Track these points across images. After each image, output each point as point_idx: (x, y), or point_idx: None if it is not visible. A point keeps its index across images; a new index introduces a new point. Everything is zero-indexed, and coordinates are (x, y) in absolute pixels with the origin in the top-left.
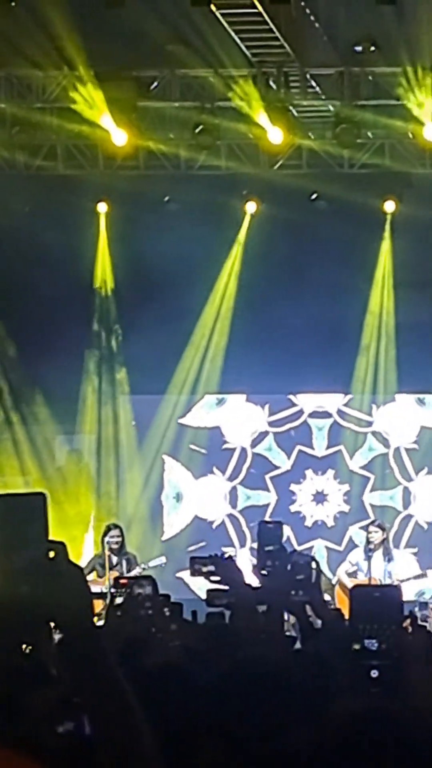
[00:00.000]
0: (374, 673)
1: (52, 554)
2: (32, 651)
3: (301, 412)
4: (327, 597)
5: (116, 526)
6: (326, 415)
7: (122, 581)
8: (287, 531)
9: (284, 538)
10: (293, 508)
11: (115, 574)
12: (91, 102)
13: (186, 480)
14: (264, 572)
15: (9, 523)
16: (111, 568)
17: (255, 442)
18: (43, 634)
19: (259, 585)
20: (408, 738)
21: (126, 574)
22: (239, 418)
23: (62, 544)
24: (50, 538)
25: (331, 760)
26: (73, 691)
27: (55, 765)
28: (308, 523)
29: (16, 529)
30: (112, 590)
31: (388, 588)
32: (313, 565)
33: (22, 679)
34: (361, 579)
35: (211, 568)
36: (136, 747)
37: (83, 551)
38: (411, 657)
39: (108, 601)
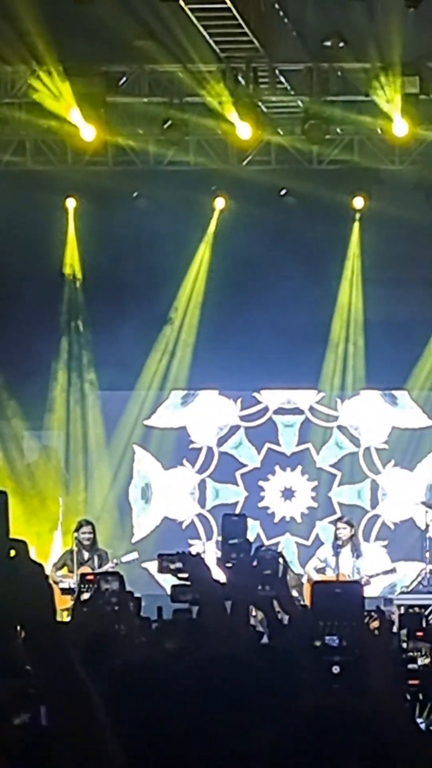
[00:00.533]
0: (336, 669)
1: (12, 553)
2: None
3: (266, 409)
4: (295, 593)
5: (88, 522)
6: (297, 411)
7: (89, 577)
8: (256, 527)
9: (248, 532)
10: (261, 504)
11: (87, 569)
12: (60, 97)
13: (156, 472)
14: (228, 565)
15: None
16: (82, 564)
17: (222, 440)
18: (8, 631)
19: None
20: (368, 734)
21: (97, 570)
22: (208, 414)
23: (23, 542)
24: (11, 536)
25: (293, 757)
26: (31, 684)
27: (11, 756)
28: (276, 519)
29: None
30: (80, 586)
31: (349, 584)
32: (280, 560)
33: None
34: (330, 575)
35: (179, 564)
36: (96, 742)
37: (52, 546)
38: (372, 653)
39: (75, 596)
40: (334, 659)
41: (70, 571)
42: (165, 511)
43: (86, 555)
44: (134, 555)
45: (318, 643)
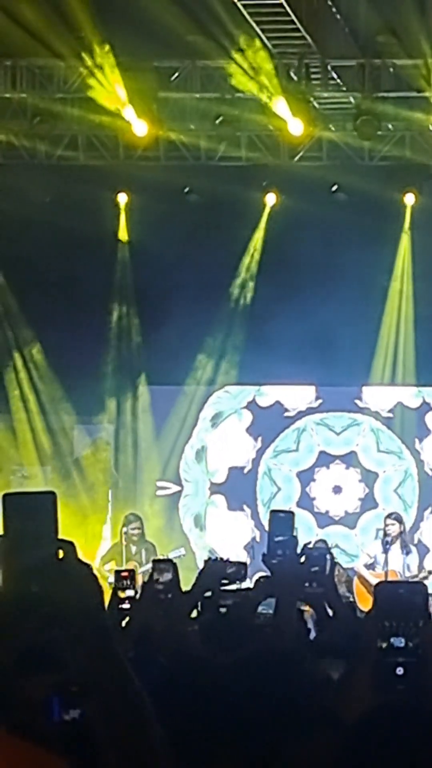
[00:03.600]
0: (399, 671)
1: (61, 554)
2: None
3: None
4: (343, 589)
5: (137, 517)
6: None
7: (123, 573)
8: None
9: (295, 529)
10: (311, 499)
11: (134, 563)
12: (112, 92)
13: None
14: (274, 561)
15: (19, 521)
16: (130, 558)
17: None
18: (55, 631)
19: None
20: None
21: (144, 564)
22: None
23: (71, 543)
24: (60, 537)
25: (353, 757)
26: (75, 681)
27: (55, 751)
28: (326, 514)
29: (26, 528)
30: (116, 583)
31: (413, 584)
32: (328, 557)
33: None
34: (379, 572)
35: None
36: (143, 738)
37: (102, 541)
38: None
39: (111, 593)
40: (399, 660)
41: (118, 565)
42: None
43: (134, 549)
44: (181, 551)
45: (384, 645)
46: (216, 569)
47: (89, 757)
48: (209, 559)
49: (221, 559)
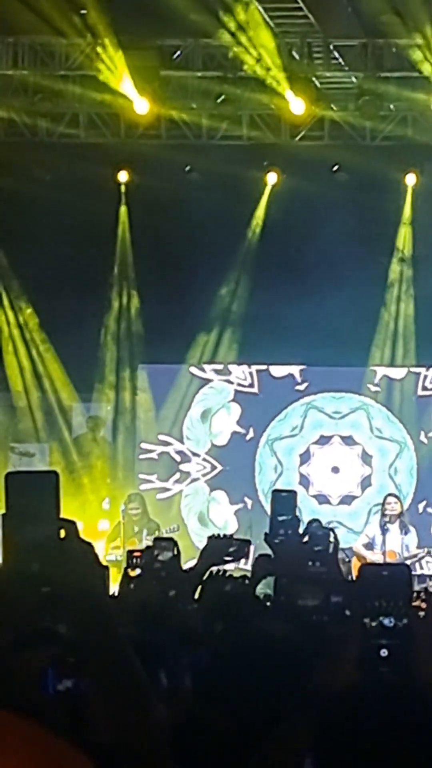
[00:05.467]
0: (384, 653)
1: (63, 533)
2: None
3: (311, 386)
4: (343, 568)
5: (137, 495)
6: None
7: (136, 553)
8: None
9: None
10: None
11: (134, 542)
12: (114, 70)
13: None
14: (276, 541)
15: (21, 500)
16: (131, 537)
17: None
18: (57, 610)
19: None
20: (414, 717)
21: (145, 542)
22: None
23: (73, 522)
24: (61, 516)
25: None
26: (72, 653)
27: (49, 722)
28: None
29: (28, 507)
30: (128, 561)
31: (396, 566)
32: (331, 536)
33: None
34: (377, 552)
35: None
36: (140, 712)
37: (100, 520)
38: (422, 636)
39: (122, 573)
40: (382, 642)
41: (121, 543)
42: None
43: (135, 528)
44: (174, 526)
45: (374, 623)
46: (219, 546)
47: (83, 728)
48: (212, 536)
49: (224, 536)
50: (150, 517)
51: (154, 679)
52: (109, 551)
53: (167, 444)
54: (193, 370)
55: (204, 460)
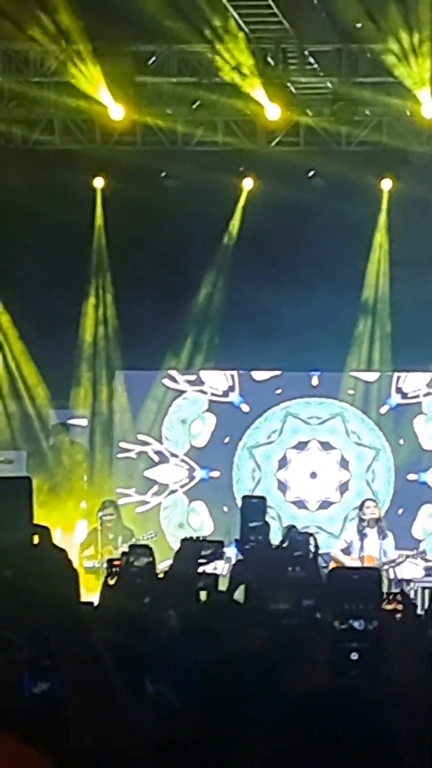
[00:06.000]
0: (354, 656)
1: (36, 539)
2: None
3: (291, 390)
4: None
5: (111, 502)
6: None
7: (116, 562)
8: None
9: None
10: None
11: (110, 549)
12: (89, 77)
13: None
14: (247, 547)
15: None
16: (106, 544)
17: (246, 424)
18: (30, 615)
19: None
20: (377, 723)
21: (120, 549)
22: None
23: (46, 528)
24: (35, 522)
25: (291, 739)
26: (48, 656)
27: (25, 724)
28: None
29: (1, 513)
30: (107, 570)
31: (366, 570)
32: (311, 541)
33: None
34: (355, 557)
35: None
36: (114, 716)
37: (77, 526)
38: (394, 639)
39: (102, 581)
40: (353, 645)
41: (96, 551)
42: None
43: (110, 535)
44: (152, 533)
45: (344, 626)
46: (192, 549)
47: (59, 730)
48: (186, 538)
49: (197, 538)
50: (124, 524)
51: (138, 686)
52: (83, 558)
53: (146, 444)
54: (166, 381)
55: (182, 461)
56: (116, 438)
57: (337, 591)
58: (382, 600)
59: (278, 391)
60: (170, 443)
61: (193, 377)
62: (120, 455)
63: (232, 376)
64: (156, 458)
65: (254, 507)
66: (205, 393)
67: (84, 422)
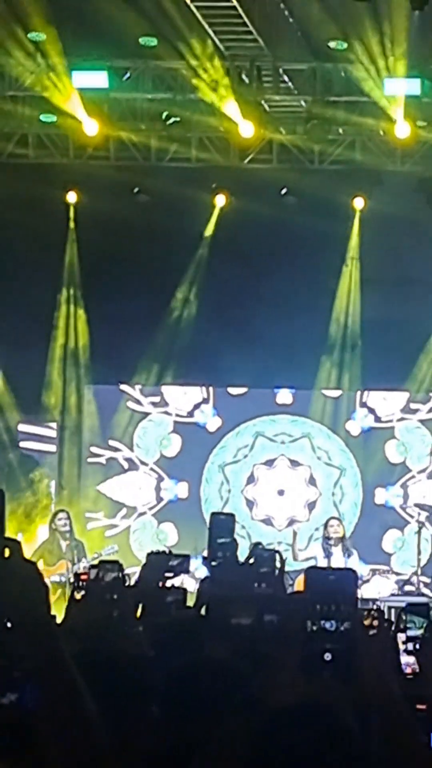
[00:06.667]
0: (327, 657)
1: (7, 552)
2: None
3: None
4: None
5: (63, 511)
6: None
7: (83, 576)
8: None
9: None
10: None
11: (64, 562)
12: (63, 91)
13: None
14: (214, 563)
15: None
16: (61, 557)
17: (216, 438)
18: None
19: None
20: (342, 734)
21: (76, 563)
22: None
23: (17, 542)
24: (5, 535)
25: (261, 750)
26: (17, 667)
27: None
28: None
29: None
30: (74, 584)
31: (343, 571)
32: (277, 557)
33: None
34: None
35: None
36: (82, 729)
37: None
38: (366, 651)
39: (69, 595)
40: (327, 646)
41: (48, 563)
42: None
43: (63, 545)
44: (114, 547)
45: (314, 628)
46: (159, 562)
47: (26, 742)
48: (152, 552)
49: (163, 552)
50: (76, 536)
51: (110, 699)
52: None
53: (116, 450)
54: (131, 404)
55: (152, 469)
56: (86, 443)
57: (313, 591)
58: (357, 601)
59: (250, 407)
60: (141, 451)
61: (157, 398)
62: (90, 460)
63: (208, 390)
64: (125, 465)
65: (222, 523)
66: (169, 414)
67: (53, 433)
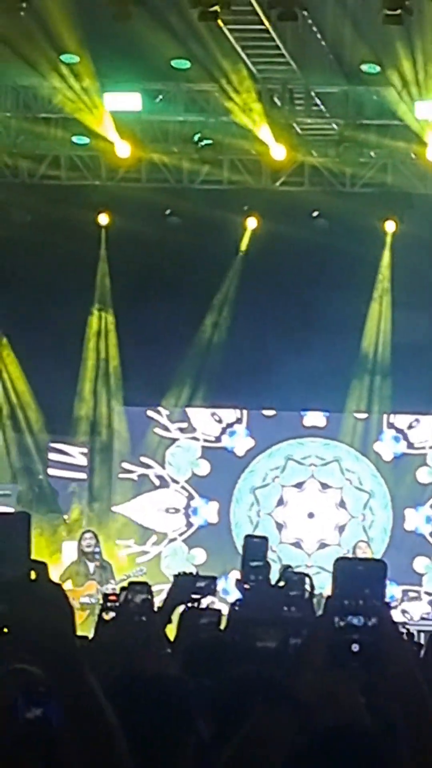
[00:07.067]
0: (355, 648)
1: (33, 575)
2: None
3: (292, 429)
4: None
5: (89, 531)
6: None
7: (111, 597)
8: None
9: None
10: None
11: (93, 583)
12: (96, 113)
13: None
14: (247, 587)
15: None
16: (88, 577)
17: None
18: (26, 653)
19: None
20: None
21: (104, 584)
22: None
23: (43, 564)
24: (32, 557)
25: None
26: (42, 683)
27: (18, 753)
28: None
29: None
30: (103, 605)
31: (372, 562)
32: (307, 581)
33: None
34: None
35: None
36: (106, 750)
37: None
38: (391, 635)
39: (98, 616)
40: (354, 637)
41: (76, 585)
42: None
43: (91, 567)
44: (142, 570)
45: (342, 624)
46: (186, 584)
47: (50, 758)
48: (179, 573)
49: (190, 573)
50: (104, 558)
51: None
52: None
53: (148, 467)
54: (158, 430)
55: (182, 487)
56: (116, 460)
57: (341, 584)
58: (385, 594)
59: (282, 429)
60: (173, 468)
61: (184, 424)
62: (122, 475)
63: (242, 411)
64: (157, 482)
65: (256, 546)
66: (197, 439)
67: (83, 460)
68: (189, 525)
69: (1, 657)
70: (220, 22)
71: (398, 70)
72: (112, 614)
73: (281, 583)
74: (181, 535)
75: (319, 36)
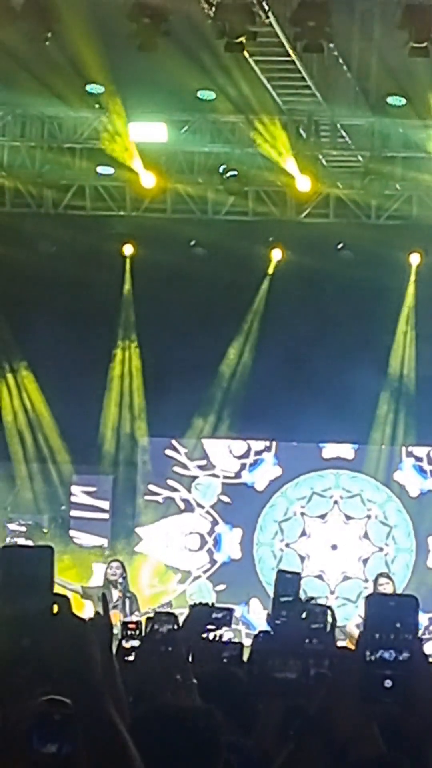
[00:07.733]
0: (388, 683)
1: (56, 609)
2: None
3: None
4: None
5: (116, 560)
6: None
7: (131, 625)
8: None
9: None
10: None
11: (117, 612)
12: (121, 143)
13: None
14: (278, 622)
15: (14, 573)
16: (112, 606)
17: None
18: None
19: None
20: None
21: (128, 615)
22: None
23: (66, 597)
24: (55, 591)
25: None
26: (57, 710)
27: None
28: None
29: (22, 581)
30: (122, 632)
31: (404, 597)
32: (329, 614)
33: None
34: None
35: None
36: None
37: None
38: (423, 669)
39: (116, 645)
40: (387, 672)
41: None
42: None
43: (116, 595)
44: (170, 603)
45: (373, 658)
46: (202, 614)
47: None
48: (195, 604)
49: (207, 604)
50: (130, 589)
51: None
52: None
53: (175, 490)
54: (177, 469)
55: (207, 512)
56: (140, 489)
57: (374, 618)
58: (417, 629)
59: (307, 460)
60: (198, 493)
61: (203, 462)
62: (148, 497)
63: (271, 442)
64: (182, 505)
65: (288, 582)
66: (217, 476)
67: (106, 504)
68: (213, 562)
69: (22, 690)
70: (246, 53)
71: (424, 102)
72: (132, 642)
73: (303, 615)
74: (205, 572)
75: (345, 68)
